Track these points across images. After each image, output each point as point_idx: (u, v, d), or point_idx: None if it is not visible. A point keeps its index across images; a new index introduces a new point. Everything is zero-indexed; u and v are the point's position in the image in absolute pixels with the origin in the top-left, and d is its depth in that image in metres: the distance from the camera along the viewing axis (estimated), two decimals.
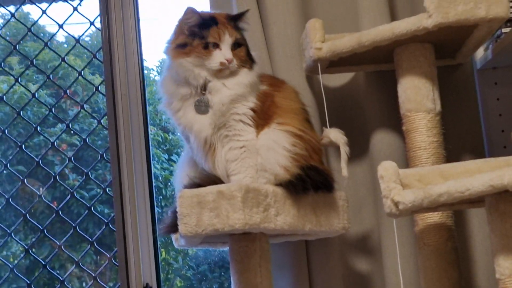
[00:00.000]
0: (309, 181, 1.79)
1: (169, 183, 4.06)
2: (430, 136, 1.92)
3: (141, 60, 2.59)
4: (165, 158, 4.25)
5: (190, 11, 1.82)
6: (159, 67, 4.22)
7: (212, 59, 1.79)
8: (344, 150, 1.92)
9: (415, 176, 1.57)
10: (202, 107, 1.78)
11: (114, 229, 2.45)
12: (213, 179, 1.85)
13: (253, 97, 1.84)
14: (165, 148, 4.37)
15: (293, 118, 1.85)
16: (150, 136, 2.58)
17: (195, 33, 1.81)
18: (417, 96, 1.94)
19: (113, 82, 2.49)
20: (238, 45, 1.83)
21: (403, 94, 1.98)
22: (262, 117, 1.84)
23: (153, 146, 3.97)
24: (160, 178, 4.08)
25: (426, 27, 1.80)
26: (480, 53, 2.20)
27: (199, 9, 1.88)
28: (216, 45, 1.80)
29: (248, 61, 1.86)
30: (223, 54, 1.79)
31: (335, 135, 1.94)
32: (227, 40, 1.79)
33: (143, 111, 2.53)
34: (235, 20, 1.87)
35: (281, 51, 2.19)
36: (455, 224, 1.91)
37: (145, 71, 3.00)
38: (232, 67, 1.80)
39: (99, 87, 2.83)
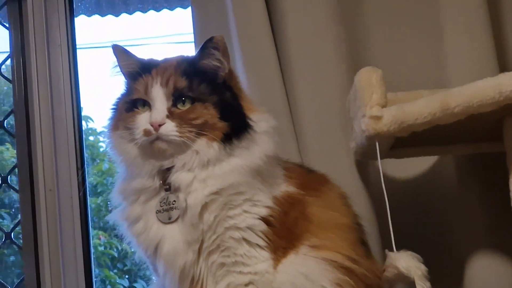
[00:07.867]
0: None
1: None
2: None
3: (79, 123, 2.02)
4: (124, 286, 3.65)
5: (119, 50, 1.45)
6: None
7: (135, 127, 1.40)
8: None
9: None
10: (163, 213, 1.40)
11: None
12: None
13: (266, 197, 1.42)
14: (124, 269, 3.62)
15: (338, 239, 1.49)
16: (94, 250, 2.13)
17: (126, 89, 1.48)
18: None
19: (31, 166, 1.90)
20: (192, 100, 1.40)
21: None
22: (284, 234, 1.45)
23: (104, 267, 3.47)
24: None
25: None
26: None
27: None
28: (144, 104, 1.41)
29: (220, 123, 1.40)
30: (149, 116, 1.39)
31: (406, 263, 1.54)
32: (157, 93, 1.38)
33: (83, 217, 1.97)
34: (191, 60, 1.45)
35: (312, 117, 1.86)
36: None
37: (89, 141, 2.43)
38: (164, 136, 1.37)
39: (9, 177, 2.17)
